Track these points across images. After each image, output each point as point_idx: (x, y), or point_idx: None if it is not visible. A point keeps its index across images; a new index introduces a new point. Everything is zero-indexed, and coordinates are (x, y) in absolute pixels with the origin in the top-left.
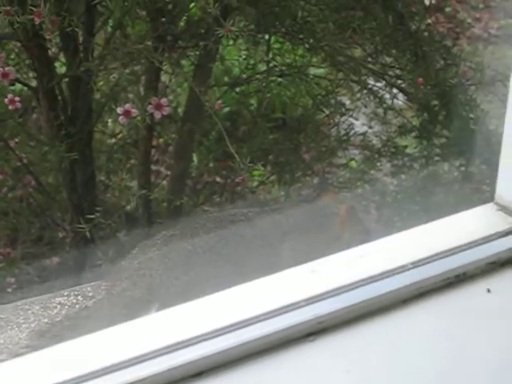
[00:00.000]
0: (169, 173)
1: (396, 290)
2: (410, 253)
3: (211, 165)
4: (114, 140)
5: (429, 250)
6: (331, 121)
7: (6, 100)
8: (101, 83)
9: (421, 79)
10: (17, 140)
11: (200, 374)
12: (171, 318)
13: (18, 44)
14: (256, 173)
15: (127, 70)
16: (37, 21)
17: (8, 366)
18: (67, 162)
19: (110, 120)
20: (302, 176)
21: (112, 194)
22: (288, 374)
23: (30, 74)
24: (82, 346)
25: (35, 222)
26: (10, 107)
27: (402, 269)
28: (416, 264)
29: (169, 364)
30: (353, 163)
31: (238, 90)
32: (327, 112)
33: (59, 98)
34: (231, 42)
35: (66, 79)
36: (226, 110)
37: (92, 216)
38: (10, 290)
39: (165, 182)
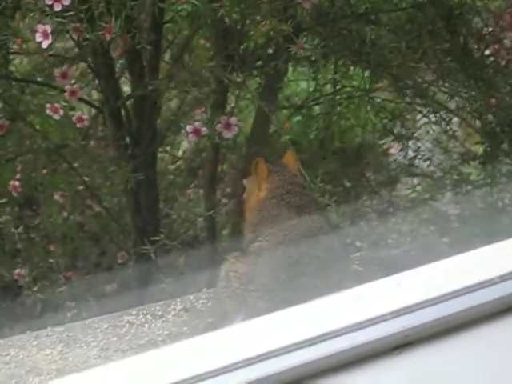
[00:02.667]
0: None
1: (484, 304)
2: (497, 266)
3: None
4: (177, 162)
5: None
6: (397, 145)
7: (74, 118)
8: (167, 104)
9: (493, 100)
10: (78, 163)
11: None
12: (252, 330)
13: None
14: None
15: (194, 90)
16: (107, 37)
17: (130, 362)
18: (133, 183)
19: (175, 141)
20: (366, 200)
21: (178, 216)
22: None
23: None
24: (197, 346)
25: (96, 244)
26: (78, 125)
27: (490, 283)
28: (503, 278)
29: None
30: (416, 188)
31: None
32: (393, 137)
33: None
34: (297, 64)
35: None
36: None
37: (157, 238)
38: (69, 314)
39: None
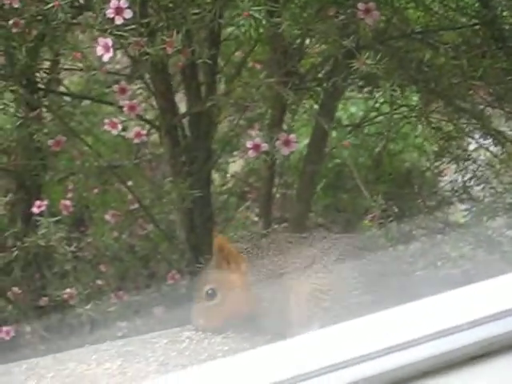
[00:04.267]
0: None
1: None
2: None
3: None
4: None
5: None
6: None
7: (132, 134)
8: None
9: None
10: (132, 182)
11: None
12: (334, 337)
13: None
14: None
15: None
16: (169, 51)
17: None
18: (189, 201)
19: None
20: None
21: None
22: None
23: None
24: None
25: (147, 264)
26: (136, 140)
27: None
28: None
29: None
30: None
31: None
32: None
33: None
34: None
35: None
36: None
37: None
38: (120, 333)
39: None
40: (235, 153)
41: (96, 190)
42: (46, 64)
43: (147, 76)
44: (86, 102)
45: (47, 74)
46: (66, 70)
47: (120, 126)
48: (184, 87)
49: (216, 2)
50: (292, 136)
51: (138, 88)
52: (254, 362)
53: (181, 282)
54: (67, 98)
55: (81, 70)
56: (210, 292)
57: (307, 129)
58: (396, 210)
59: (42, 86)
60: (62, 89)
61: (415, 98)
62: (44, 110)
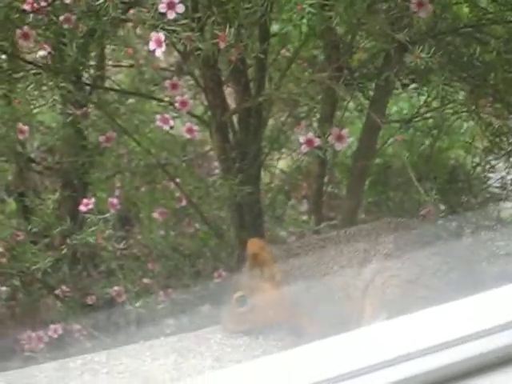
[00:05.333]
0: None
1: None
2: None
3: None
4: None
5: None
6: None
7: (184, 129)
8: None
9: None
10: (181, 179)
11: None
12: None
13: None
14: None
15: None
16: (221, 46)
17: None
18: (240, 197)
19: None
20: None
21: (286, 232)
22: None
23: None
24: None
25: (196, 261)
26: (189, 136)
27: None
28: None
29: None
30: None
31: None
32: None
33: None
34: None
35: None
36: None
37: None
38: (168, 331)
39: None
40: (283, 150)
41: (143, 188)
42: (95, 60)
43: (197, 72)
44: (132, 101)
45: (95, 70)
46: (115, 66)
47: (172, 122)
48: (233, 83)
49: None
50: (344, 131)
51: (188, 84)
52: (308, 357)
53: (228, 280)
54: (113, 96)
55: (131, 66)
56: (240, 299)
57: (352, 126)
58: (445, 206)
59: (89, 83)
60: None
61: (462, 93)
62: (91, 107)
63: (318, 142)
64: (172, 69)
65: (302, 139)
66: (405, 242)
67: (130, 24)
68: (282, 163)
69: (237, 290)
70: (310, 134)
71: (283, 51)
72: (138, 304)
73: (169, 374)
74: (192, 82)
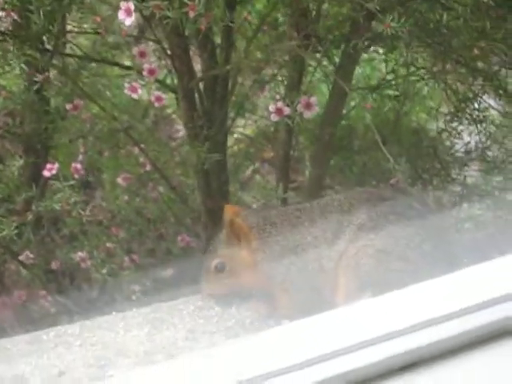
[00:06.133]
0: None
1: None
2: None
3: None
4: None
5: None
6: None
7: (153, 97)
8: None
9: None
10: (145, 145)
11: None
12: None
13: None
14: None
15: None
16: (191, 15)
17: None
18: (208, 164)
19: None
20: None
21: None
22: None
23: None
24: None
25: (162, 228)
26: (157, 104)
27: None
28: None
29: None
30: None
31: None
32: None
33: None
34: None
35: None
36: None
37: None
38: (134, 297)
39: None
40: (248, 115)
41: (107, 153)
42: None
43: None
44: (93, 65)
45: (57, 35)
46: (77, 33)
47: (140, 91)
48: (199, 51)
49: None
50: (313, 99)
51: (152, 49)
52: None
53: (193, 245)
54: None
55: (96, 32)
56: (219, 266)
57: (318, 93)
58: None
59: (51, 49)
60: (68, 51)
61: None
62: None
63: (287, 110)
64: (134, 34)
65: (271, 108)
66: (377, 213)
67: None
68: (248, 129)
69: (214, 256)
70: (280, 103)
71: (247, 16)
72: (104, 271)
73: (142, 346)
74: (155, 46)
